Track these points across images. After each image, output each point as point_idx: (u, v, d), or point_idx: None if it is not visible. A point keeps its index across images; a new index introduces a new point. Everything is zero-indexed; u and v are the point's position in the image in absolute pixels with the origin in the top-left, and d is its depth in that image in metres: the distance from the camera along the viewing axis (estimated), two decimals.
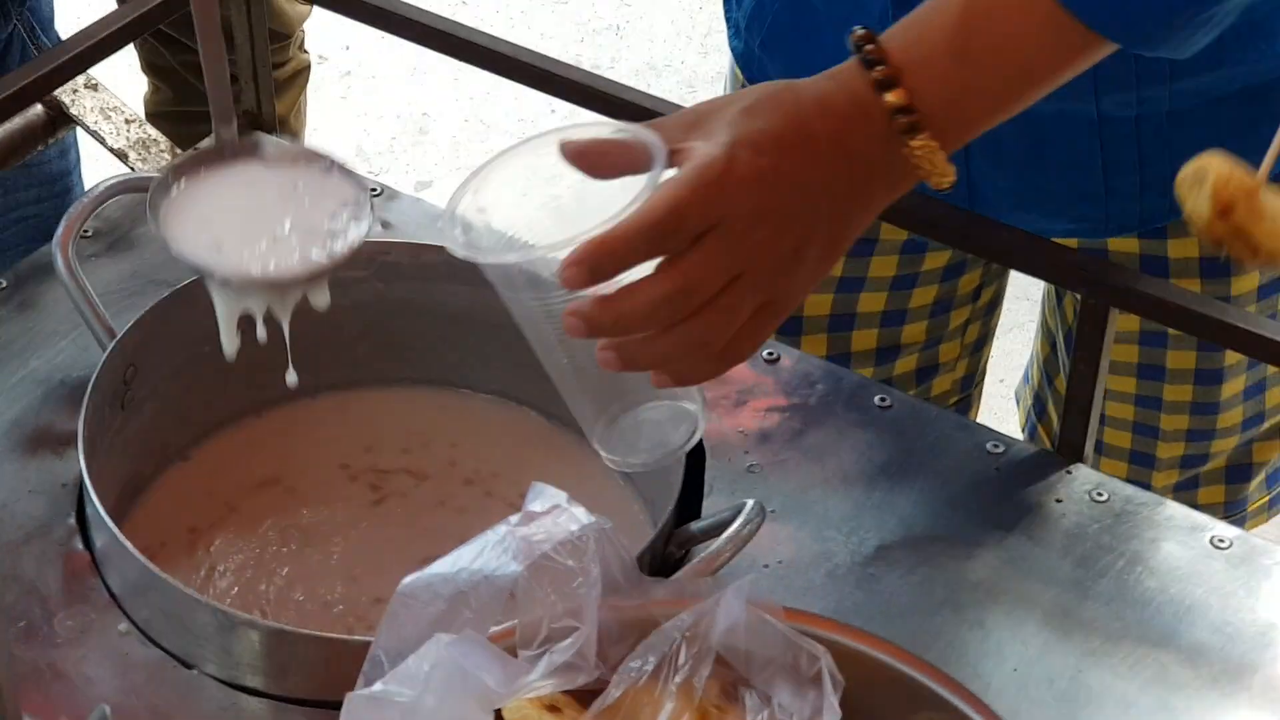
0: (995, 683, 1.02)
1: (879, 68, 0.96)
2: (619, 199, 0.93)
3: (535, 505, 0.88)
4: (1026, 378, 1.54)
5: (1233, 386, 1.35)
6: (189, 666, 1.03)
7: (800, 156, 0.93)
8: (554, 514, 0.87)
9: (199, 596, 1.02)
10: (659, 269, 0.91)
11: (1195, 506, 1.40)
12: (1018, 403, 1.56)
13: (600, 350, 0.93)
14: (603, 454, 0.97)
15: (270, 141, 1.03)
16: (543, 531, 0.87)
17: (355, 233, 0.99)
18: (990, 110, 0.99)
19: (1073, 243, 1.29)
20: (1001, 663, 1.03)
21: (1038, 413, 1.49)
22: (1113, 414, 1.36)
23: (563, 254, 0.90)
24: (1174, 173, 1.23)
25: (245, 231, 0.99)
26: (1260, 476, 1.43)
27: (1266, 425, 1.39)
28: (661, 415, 0.97)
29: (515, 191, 0.96)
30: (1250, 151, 1.22)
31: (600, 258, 0.90)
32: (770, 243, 0.92)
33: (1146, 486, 1.38)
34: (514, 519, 0.87)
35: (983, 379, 1.53)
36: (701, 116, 0.95)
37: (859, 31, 0.97)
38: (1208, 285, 1.28)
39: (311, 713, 1.01)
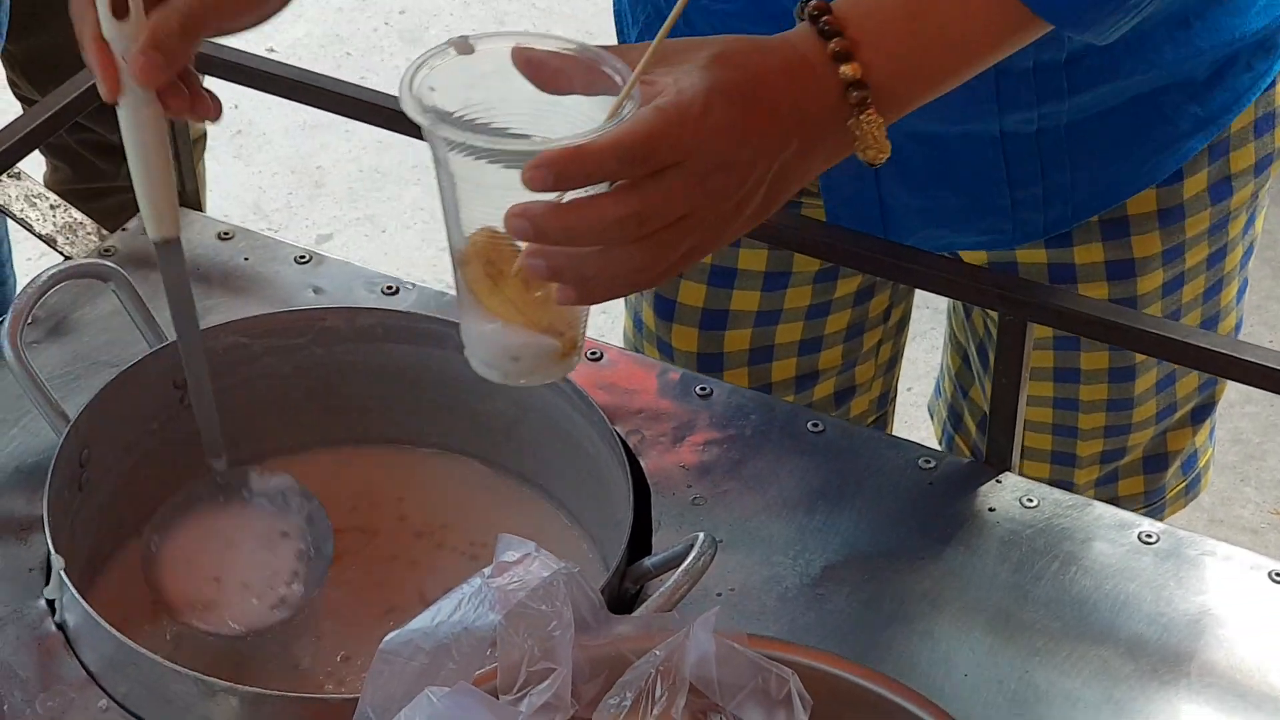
0: (948, 689, 1.07)
1: (837, 39, 0.98)
2: (572, 116, 0.95)
3: (506, 556, 0.91)
4: (939, 391, 1.59)
5: (1145, 381, 1.40)
6: None
7: (765, 116, 0.95)
8: (525, 562, 0.90)
9: (177, 667, 1.04)
10: (617, 190, 0.93)
11: (1116, 499, 1.46)
12: (931, 416, 1.61)
13: (529, 257, 0.94)
14: (479, 368, 1.00)
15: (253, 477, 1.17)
16: (516, 580, 0.90)
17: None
18: (930, 88, 1.02)
19: (982, 255, 1.34)
20: (952, 670, 1.08)
21: (954, 425, 1.54)
22: (1032, 418, 1.41)
23: (517, 149, 0.91)
24: (1074, 181, 1.28)
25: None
26: (1176, 465, 1.48)
27: (1178, 414, 1.45)
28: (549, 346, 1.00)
29: (462, 83, 0.97)
30: (1141, 153, 1.28)
31: (569, 166, 0.91)
32: (722, 192, 0.95)
33: (1069, 485, 1.43)
34: (487, 571, 0.90)
35: (896, 395, 1.58)
36: (670, 53, 0.97)
37: (815, 1, 0.98)
38: (1114, 287, 1.34)
39: None
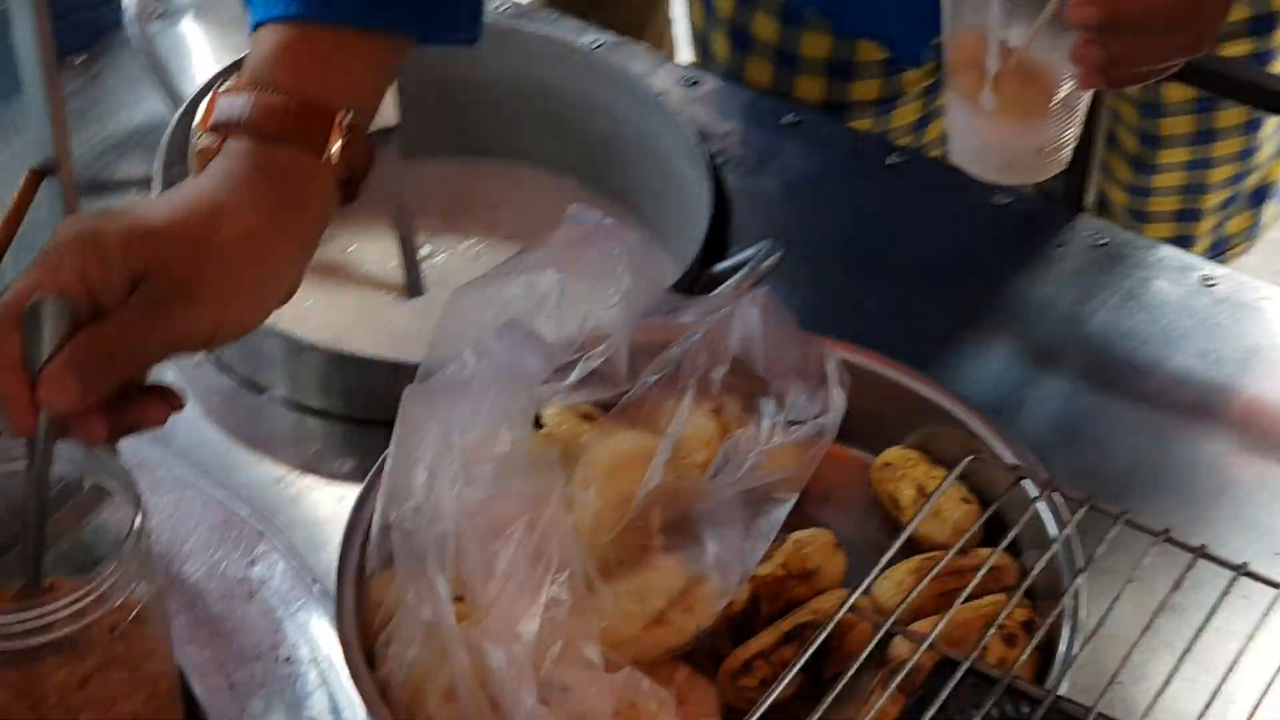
0: (995, 402, 1.11)
1: None
2: None
3: (575, 221, 0.96)
4: None
5: (1270, 123, 1.41)
6: (259, 391, 1.13)
7: None
8: (592, 229, 0.96)
9: (269, 324, 1.11)
10: None
11: (1224, 239, 1.48)
12: None
13: (1086, 45, 0.93)
14: (978, 170, 1.01)
15: None
16: (580, 244, 0.95)
17: None
18: None
19: None
20: (1001, 384, 1.13)
21: None
22: (1162, 183, 1.43)
23: None
24: None
25: None
26: (1272, 194, 1.50)
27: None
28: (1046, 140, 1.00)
29: None
30: None
31: None
32: None
33: (1189, 240, 1.46)
34: (555, 233, 0.96)
35: None
36: None
37: None
38: (1257, 42, 1.35)
39: (373, 429, 1.09)
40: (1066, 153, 1.01)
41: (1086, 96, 1.01)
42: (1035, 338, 1.15)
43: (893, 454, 1.05)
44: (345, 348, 1.11)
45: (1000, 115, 0.98)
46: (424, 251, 1.29)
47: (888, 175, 1.25)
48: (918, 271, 1.19)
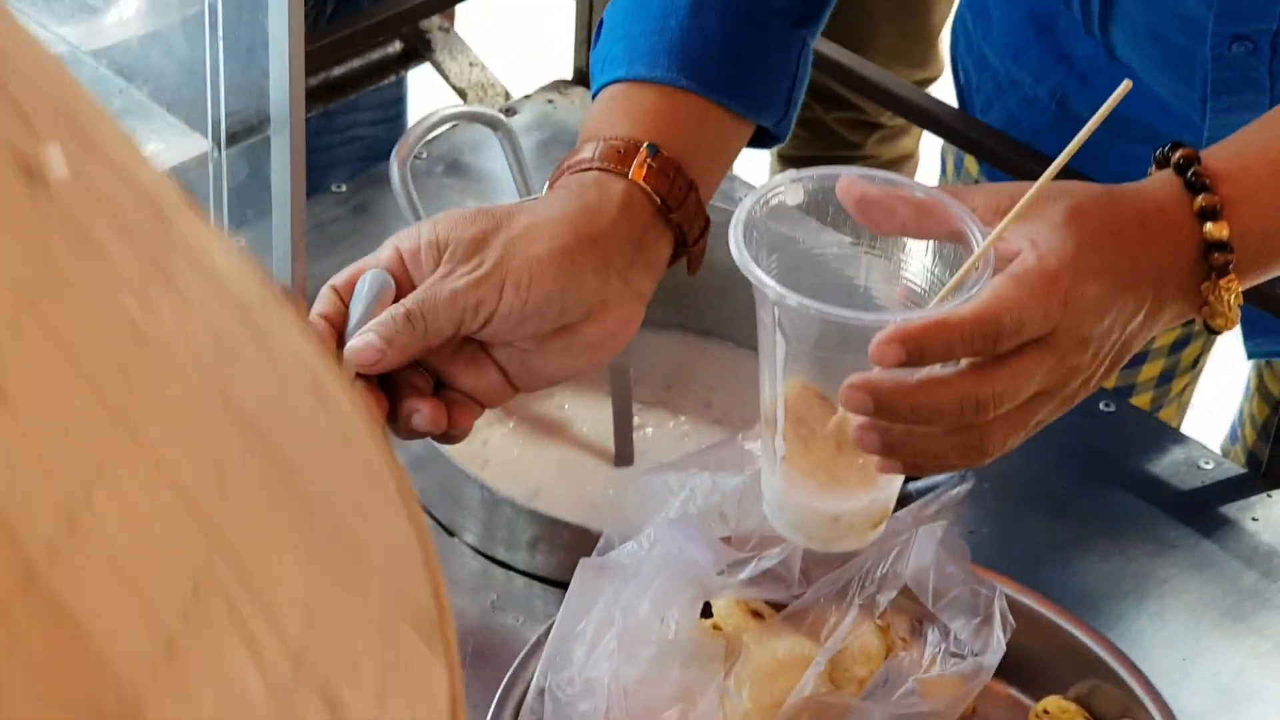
0: (1163, 667, 1.11)
1: (1205, 194, 0.89)
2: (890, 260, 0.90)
3: None
4: (1234, 436, 1.56)
5: None
6: (451, 534, 1.17)
7: (1125, 283, 0.88)
8: None
9: (471, 473, 1.16)
10: (974, 370, 0.86)
11: None
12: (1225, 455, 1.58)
13: (862, 430, 0.87)
14: (781, 529, 0.95)
15: None
16: None
17: None
18: None
19: None
20: (1172, 651, 1.12)
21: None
22: None
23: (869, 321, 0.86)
24: None
25: None
26: None
27: None
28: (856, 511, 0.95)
29: (782, 221, 0.95)
30: None
31: (930, 342, 0.83)
32: (1077, 369, 0.88)
33: None
34: (746, 433, 0.99)
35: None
36: (1014, 201, 0.88)
37: (1182, 150, 0.90)
38: None
39: (554, 590, 1.13)
40: (870, 531, 0.95)
41: (896, 478, 0.94)
42: (1216, 607, 1.15)
43: (1052, 702, 1.06)
44: (540, 507, 1.15)
45: (799, 474, 0.92)
46: (635, 421, 1.32)
47: (1097, 421, 1.26)
48: (1108, 521, 1.20)
